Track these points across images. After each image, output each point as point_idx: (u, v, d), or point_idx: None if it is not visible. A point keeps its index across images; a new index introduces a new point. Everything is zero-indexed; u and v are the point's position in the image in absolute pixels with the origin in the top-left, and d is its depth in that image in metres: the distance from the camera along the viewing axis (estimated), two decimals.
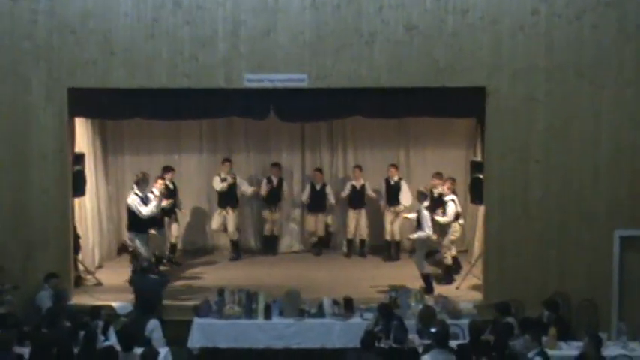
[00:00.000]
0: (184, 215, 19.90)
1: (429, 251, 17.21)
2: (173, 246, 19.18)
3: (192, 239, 20.46)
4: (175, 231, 19.11)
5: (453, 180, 18.12)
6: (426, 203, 16.65)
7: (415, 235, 16.66)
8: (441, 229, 17.57)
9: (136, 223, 16.92)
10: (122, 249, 19.83)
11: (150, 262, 15.94)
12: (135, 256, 17.63)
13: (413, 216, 17.00)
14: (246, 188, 19.46)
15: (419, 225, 16.52)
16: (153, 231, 17.73)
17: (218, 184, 19.15)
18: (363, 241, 19.91)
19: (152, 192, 17.23)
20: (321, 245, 20.09)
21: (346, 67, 15.67)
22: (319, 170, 19.91)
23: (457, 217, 17.80)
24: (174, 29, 15.66)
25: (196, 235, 20.55)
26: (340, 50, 15.65)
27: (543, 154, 15.75)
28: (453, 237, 17.89)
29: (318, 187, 19.64)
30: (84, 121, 17.54)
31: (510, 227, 15.86)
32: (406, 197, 19.02)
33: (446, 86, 15.67)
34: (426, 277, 16.65)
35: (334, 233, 20.42)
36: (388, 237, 19.46)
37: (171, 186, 18.49)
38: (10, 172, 15.92)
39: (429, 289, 16.26)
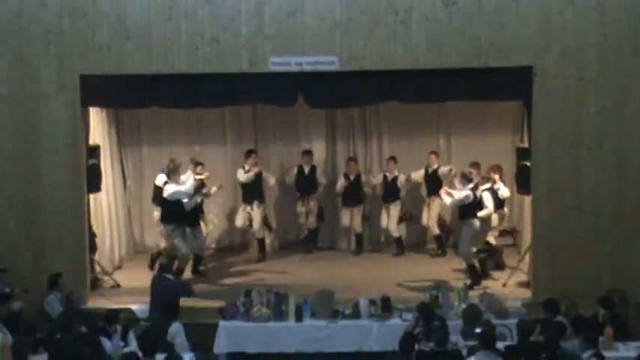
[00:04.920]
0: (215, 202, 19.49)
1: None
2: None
3: (218, 237, 20.00)
4: (203, 230, 18.34)
5: (497, 167, 17.65)
6: (470, 185, 16.34)
7: (482, 213, 16.51)
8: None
9: (174, 214, 16.60)
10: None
11: (183, 260, 15.78)
12: (156, 256, 17.39)
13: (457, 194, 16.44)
14: (269, 180, 18.81)
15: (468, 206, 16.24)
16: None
17: (242, 175, 18.48)
18: (398, 238, 19.19)
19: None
20: (360, 244, 19.39)
21: (380, 48, 15.23)
22: (353, 159, 19.32)
23: (501, 205, 17.42)
24: (193, 10, 15.27)
25: (222, 233, 20.09)
26: (373, 29, 15.20)
27: (596, 140, 15.25)
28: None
29: (352, 178, 18.98)
30: (98, 110, 17.24)
31: (561, 219, 15.39)
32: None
33: (489, 67, 15.22)
34: (473, 269, 16.33)
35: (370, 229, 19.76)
36: (437, 230, 18.89)
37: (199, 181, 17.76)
38: (20, 167, 15.62)
39: (475, 283, 15.96)
